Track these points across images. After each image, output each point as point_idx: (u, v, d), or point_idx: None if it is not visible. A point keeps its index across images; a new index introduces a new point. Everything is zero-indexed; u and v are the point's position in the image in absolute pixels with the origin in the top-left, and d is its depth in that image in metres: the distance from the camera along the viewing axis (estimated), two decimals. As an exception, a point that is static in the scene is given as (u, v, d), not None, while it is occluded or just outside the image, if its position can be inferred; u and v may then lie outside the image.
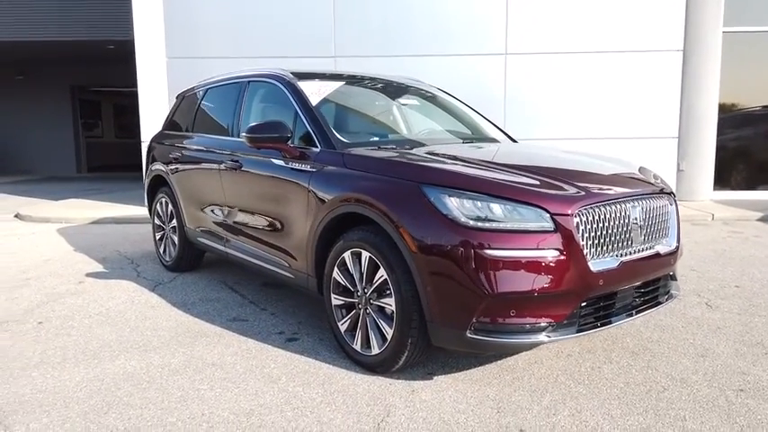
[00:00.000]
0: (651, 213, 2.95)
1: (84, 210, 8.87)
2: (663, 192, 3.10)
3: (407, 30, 8.65)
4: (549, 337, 2.59)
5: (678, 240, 3.14)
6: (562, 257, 2.55)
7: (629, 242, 2.81)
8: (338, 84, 4.09)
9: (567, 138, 8.49)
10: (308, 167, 3.37)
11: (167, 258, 5.17)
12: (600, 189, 2.80)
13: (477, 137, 4.26)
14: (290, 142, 3.51)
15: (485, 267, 2.51)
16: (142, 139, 8.82)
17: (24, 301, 4.38)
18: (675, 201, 3.26)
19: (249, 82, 4.28)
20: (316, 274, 3.35)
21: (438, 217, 2.63)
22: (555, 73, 8.66)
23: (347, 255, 3.07)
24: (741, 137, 9.69)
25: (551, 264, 2.53)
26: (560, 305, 2.59)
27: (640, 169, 3.38)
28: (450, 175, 2.78)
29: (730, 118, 9.47)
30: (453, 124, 4.44)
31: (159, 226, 5.32)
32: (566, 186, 2.75)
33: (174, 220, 4.97)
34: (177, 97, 5.50)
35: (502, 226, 2.56)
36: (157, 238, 5.35)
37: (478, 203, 2.60)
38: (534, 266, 2.52)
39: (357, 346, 3.07)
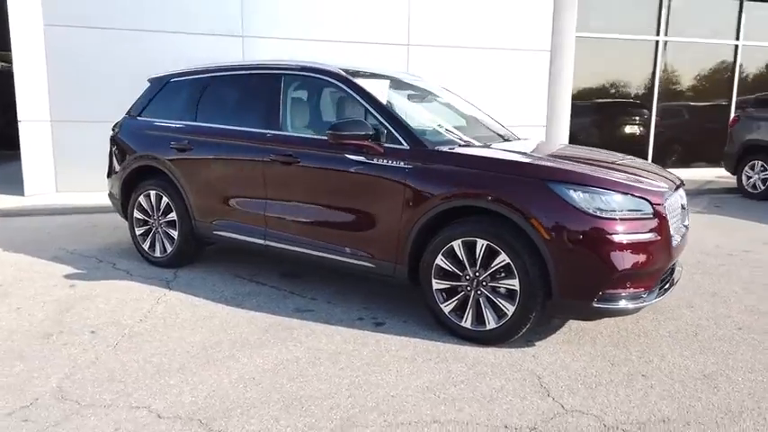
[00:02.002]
0: (682, 201, 3.80)
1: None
2: (682, 183, 3.98)
3: (318, 14, 8.77)
4: (645, 302, 3.30)
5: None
6: (660, 239, 3.26)
7: (679, 224, 3.63)
8: (381, 82, 4.31)
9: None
10: (401, 164, 3.63)
11: (157, 254, 4.90)
12: (666, 182, 3.57)
13: (505, 135, 4.72)
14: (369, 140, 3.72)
15: (613, 249, 3.13)
16: (20, 117, 7.77)
17: (33, 312, 3.92)
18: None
19: (284, 75, 4.29)
20: (409, 262, 3.66)
21: (568, 209, 3.16)
22: (446, 65, 9.45)
23: (457, 243, 3.45)
24: (587, 123, 11.64)
25: (655, 244, 3.24)
26: (654, 277, 3.32)
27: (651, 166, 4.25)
28: (570, 173, 3.32)
29: (581, 108, 11.28)
30: (481, 120, 4.85)
31: (142, 220, 4.98)
32: (649, 180, 3.46)
33: (173, 214, 4.73)
34: (154, 81, 5.14)
35: (620, 215, 3.18)
36: (139, 233, 5.01)
37: (601, 196, 3.19)
38: (645, 247, 3.20)
39: (467, 323, 3.49)
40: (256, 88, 4.43)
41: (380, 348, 3.41)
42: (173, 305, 4.07)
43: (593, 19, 10.94)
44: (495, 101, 9.61)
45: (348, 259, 3.93)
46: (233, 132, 4.41)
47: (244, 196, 4.37)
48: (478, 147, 3.97)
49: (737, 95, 12.21)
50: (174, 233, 4.78)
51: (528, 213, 3.22)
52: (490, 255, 3.37)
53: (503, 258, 3.32)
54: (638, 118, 11.99)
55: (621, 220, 3.18)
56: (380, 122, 3.81)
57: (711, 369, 3.21)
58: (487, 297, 3.42)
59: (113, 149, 5.24)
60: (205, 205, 4.59)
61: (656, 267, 3.29)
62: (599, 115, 12.01)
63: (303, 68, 4.28)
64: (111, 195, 5.40)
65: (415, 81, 5.07)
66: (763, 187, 9.13)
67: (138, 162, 4.94)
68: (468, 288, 3.47)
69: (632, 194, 3.26)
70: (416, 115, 4.41)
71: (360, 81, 4.05)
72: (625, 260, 3.15)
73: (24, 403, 2.75)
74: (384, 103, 3.92)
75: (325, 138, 3.86)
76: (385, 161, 3.70)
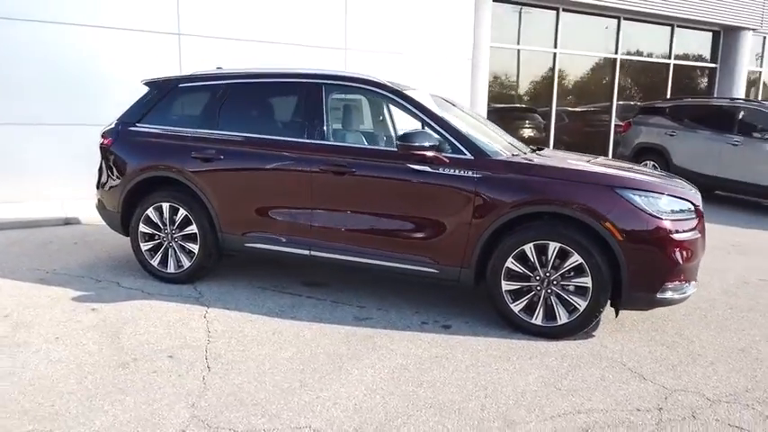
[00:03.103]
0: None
1: None
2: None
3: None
4: (687, 293, 3.80)
5: None
6: (700, 236, 3.79)
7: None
8: (422, 94, 4.42)
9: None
10: (469, 173, 3.83)
11: (170, 270, 4.61)
12: (687, 185, 4.12)
13: (518, 146, 4.97)
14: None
15: (673, 245, 3.60)
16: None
17: (80, 341, 3.58)
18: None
19: (324, 84, 4.27)
20: (476, 266, 3.87)
21: (636, 212, 3.58)
22: (382, 69, 9.68)
23: (528, 247, 3.73)
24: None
25: (698, 240, 3.76)
26: (695, 270, 3.85)
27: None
28: (632, 180, 3.75)
29: (492, 111, 12.07)
30: (494, 130, 5.08)
31: (150, 235, 4.65)
32: (683, 185, 3.99)
33: (192, 227, 4.49)
34: (154, 86, 4.79)
35: (673, 216, 3.67)
36: (146, 248, 4.66)
37: (658, 200, 3.64)
38: (692, 243, 3.71)
39: (538, 320, 3.78)
40: (293, 97, 4.36)
41: (470, 350, 3.59)
42: (227, 322, 3.91)
43: (506, 32, 11.79)
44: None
45: (408, 266, 4.04)
46: (271, 142, 4.30)
47: (285, 207, 4.29)
48: (541, 157, 4.27)
49: (617, 101, 13.83)
50: (194, 247, 4.53)
51: (603, 217, 3.58)
52: (561, 256, 3.69)
53: (575, 259, 3.65)
54: (540, 121, 13.11)
55: (675, 220, 3.66)
56: (440, 134, 3.97)
57: (742, 344, 3.80)
58: (558, 295, 3.74)
59: (107, 160, 4.81)
60: (235, 217, 4.41)
61: (697, 261, 3.82)
62: (504, 118, 12.93)
63: (343, 78, 4.30)
64: (101, 208, 4.96)
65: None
66: (656, 184, 10.47)
67: (146, 173, 4.60)
68: (539, 288, 3.77)
69: (680, 197, 3.76)
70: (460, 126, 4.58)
71: (411, 93, 4.18)
72: (682, 255, 3.64)
73: (172, 437, 2.58)
74: (441, 114, 4.08)
75: (383, 148, 3.98)
76: (450, 170, 3.87)
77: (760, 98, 16.50)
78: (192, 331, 3.75)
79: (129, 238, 4.81)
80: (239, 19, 8.41)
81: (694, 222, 3.77)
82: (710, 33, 15.43)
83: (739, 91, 15.35)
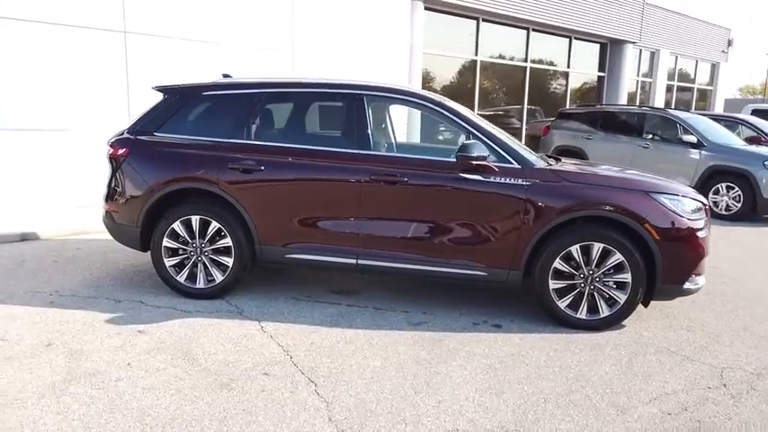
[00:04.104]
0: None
1: None
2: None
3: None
4: (700, 284, 4.33)
5: None
6: (709, 233, 4.36)
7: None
8: (461, 106, 4.61)
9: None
10: (519, 181, 4.11)
11: (200, 285, 4.43)
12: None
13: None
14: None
15: (697, 242, 4.12)
16: None
17: (155, 366, 3.39)
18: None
19: (364, 95, 4.34)
20: (524, 268, 4.17)
21: (667, 213, 4.06)
22: (329, 71, 9.73)
23: (574, 248, 4.09)
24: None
25: (708, 237, 4.32)
26: (705, 263, 4.41)
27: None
28: (660, 185, 4.22)
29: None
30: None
31: (174, 249, 4.43)
32: (687, 187, 4.55)
33: (227, 240, 4.35)
34: (172, 92, 4.55)
35: (694, 215, 4.18)
36: (171, 264, 4.44)
37: (681, 202, 4.15)
38: (706, 239, 4.26)
39: (582, 315, 4.16)
40: (335, 107, 4.38)
41: (536, 346, 3.87)
42: (290, 335, 3.87)
43: (436, 39, 12.26)
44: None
45: (458, 270, 4.24)
46: (317, 153, 4.29)
47: (331, 216, 4.30)
48: (574, 165, 4.63)
49: (528, 105, 14.89)
50: (226, 260, 4.40)
51: (643, 219, 4.02)
52: (604, 255, 4.08)
53: (617, 257, 4.06)
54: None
55: (695, 219, 4.18)
56: (488, 144, 4.20)
57: (740, 324, 4.42)
58: (599, 290, 4.12)
59: (122, 171, 4.50)
60: (277, 228, 4.35)
61: (708, 255, 4.38)
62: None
63: (386, 90, 4.41)
64: (110, 222, 4.63)
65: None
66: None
67: (174, 185, 4.37)
68: (583, 285, 4.13)
69: (694, 198, 4.29)
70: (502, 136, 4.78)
71: (452, 104, 4.37)
72: (701, 249, 4.17)
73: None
74: (486, 126, 4.32)
75: (436, 158, 4.14)
76: (501, 179, 4.12)
77: (638, 103, 18.49)
78: (263, 347, 3.69)
79: (143, 252, 4.56)
80: (188, 17, 8.06)
81: (706, 220, 4.33)
82: (599, 45, 17.05)
83: (623, 97, 17.12)
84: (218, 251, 4.42)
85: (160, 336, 3.79)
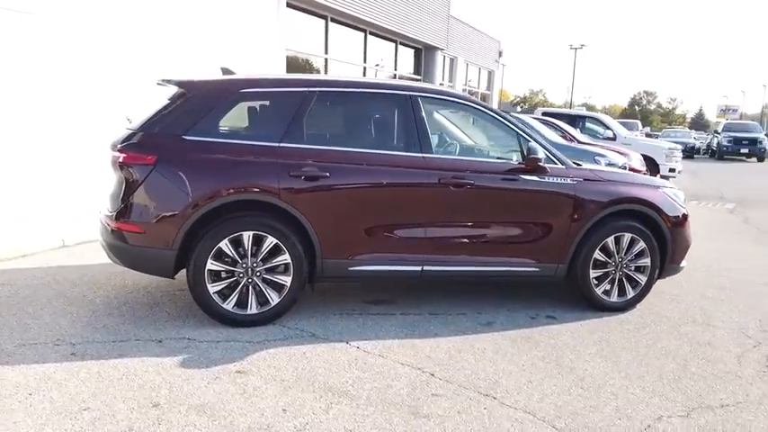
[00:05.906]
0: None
1: None
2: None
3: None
4: (685, 264, 5.16)
5: None
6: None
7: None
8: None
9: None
10: (568, 180, 4.44)
11: (252, 311, 3.89)
12: None
13: None
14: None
15: (689, 228, 4.91)
16: None
17: (309, 405, 2.96)
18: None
19: (418, 97, 4.25)
20: (570, 261, 4.53)
21: (674, 205, 4.77)
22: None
23: (610, 239, 4.58)
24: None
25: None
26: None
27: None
28: (662, 181, 4.90)
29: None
30: None
31: (220, 272, 3.82)
32: None
33: (285, 256, 3.88)
34: (206, 90, 3.85)
35: (685, 204, 4.98)
36: (215, 290, 3.80)
37: (678, 194, 4.91)
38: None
39: (614, 298, 4.68)
40: (391, 110, 4.18)
41: (598, 332, 4.23)
42: (389, 354, 3.66)
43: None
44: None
45: (515, 268, 4.43)
46: (386, 157, 4.07)
47: (400, 224, 4.13)
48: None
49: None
50: (284, 279, 3.93)
51: (661, 210, 4.66)
52: (631, 244, 4.63)
53: (641, 245, 4.64)
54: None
55: (685, 207, 4.97)
56: (540, 147, 4.43)
57: (717, 296, 5.37)
58: (627, 275, 4.67)
59: (147, 182, 3.70)
60: (341, 240, 4.02)
61: (689, 240, 5.23)
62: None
63: (438, 93, 4.39)
64: (122, 245, 3.80)
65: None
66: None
67: (226, 197, 3.76)
68: (614, 271, 4.64)
69: (679, 191, 5.09)
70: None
71: (500, 111, 4.51)
72: (690, 234, 4.98)
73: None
74: (530, 131, 4.55)
75: (500, 161, 4.31)
76: (553, 179, 4.41)
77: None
78: (388, 367, 3.46)
79: (169, 279, 3.85)
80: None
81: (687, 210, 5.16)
82: (414, 51, 18.31)
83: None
84: (272, 270, 3.93)
85: (269, 373, 3.29)
